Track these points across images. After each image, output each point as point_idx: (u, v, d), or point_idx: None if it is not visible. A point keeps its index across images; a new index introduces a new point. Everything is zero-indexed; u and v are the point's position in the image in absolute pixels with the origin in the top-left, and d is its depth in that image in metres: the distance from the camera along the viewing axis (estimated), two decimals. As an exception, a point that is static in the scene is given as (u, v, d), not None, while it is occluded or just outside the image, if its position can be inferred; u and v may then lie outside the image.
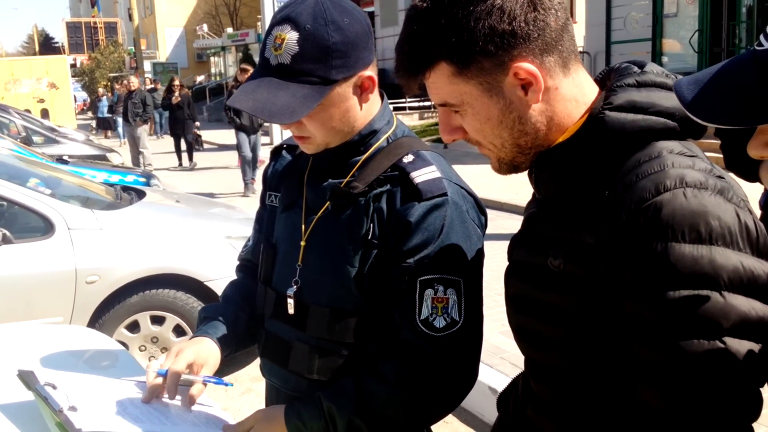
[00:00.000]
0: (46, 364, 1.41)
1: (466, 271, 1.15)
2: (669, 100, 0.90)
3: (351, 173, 1.22)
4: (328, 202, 1.22)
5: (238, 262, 1.50)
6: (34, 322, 3.26)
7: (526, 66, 0.89)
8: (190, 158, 13.32)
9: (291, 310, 1.24)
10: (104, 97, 23.10)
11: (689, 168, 0.84)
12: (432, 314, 1.13)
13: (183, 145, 13.31)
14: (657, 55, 11.83)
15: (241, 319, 1.34)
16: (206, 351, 1.24)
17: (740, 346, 0.77)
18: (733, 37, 11.01)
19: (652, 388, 0.81)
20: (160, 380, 1.18)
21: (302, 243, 1.25)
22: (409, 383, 1.14)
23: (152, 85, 20.99)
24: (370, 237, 1.18)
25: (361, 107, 1.20)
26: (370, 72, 1.19)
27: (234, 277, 1.47)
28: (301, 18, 1.12)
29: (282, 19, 1.14)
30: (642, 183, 0.84)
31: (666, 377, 0.80)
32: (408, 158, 1.20)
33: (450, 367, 1.14)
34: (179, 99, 13.03)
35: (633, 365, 0.84)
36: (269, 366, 1.31)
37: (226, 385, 1.22)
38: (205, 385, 1.21)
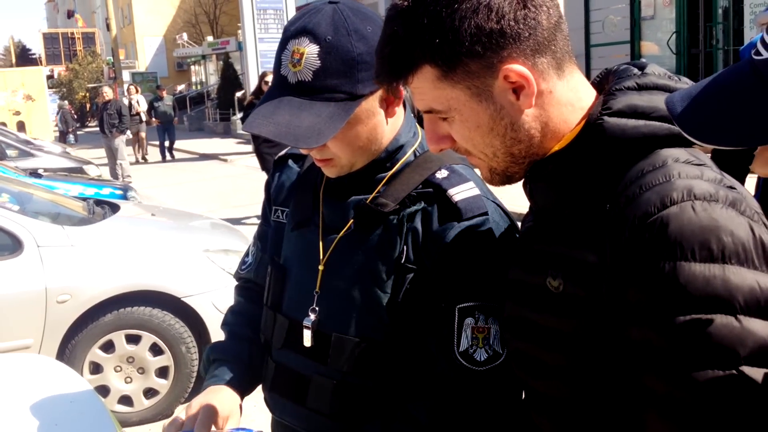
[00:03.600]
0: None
1: None
2: None
3: (377, 189, 1.11)
4: (351, 221, 1.11)
5: (236, 282, 1.37)
6: (1, 345, 3.13)
7: (516, 68, 0.81)
8: None
9: (308, 342, 1.12)
10: (61, 110, 22.08)
11: (697, 178, 0.77)
12: (472, 346, 1.02)
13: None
14: (636, 57, 11.91)
15: (257, 357, 1.23)
16: (228, 401, 1.15)
17: (759, 374, 0.70)
18: (711, 38, 11.10)
19: (663, 423, 0.74)
20: None
21: (320, 267, 1.12)
22: (444, 425, 1.02)
23: (155, 93, 17.78)
24: (403, 260, 1.07)
25: (387, 122, 1.10)
26: None
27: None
28: (320, 29, 1.01)
29: (298, 31, 1.02)
30: (646, 195, 0.76)
31: (678, 411, 0.72)
32: (442, 173, 1.09)
33: (491, 407, 1.03)
34: None
35: (640, 397, 0.77)
36: (281, 403, 1.18)
37: None
38: None
